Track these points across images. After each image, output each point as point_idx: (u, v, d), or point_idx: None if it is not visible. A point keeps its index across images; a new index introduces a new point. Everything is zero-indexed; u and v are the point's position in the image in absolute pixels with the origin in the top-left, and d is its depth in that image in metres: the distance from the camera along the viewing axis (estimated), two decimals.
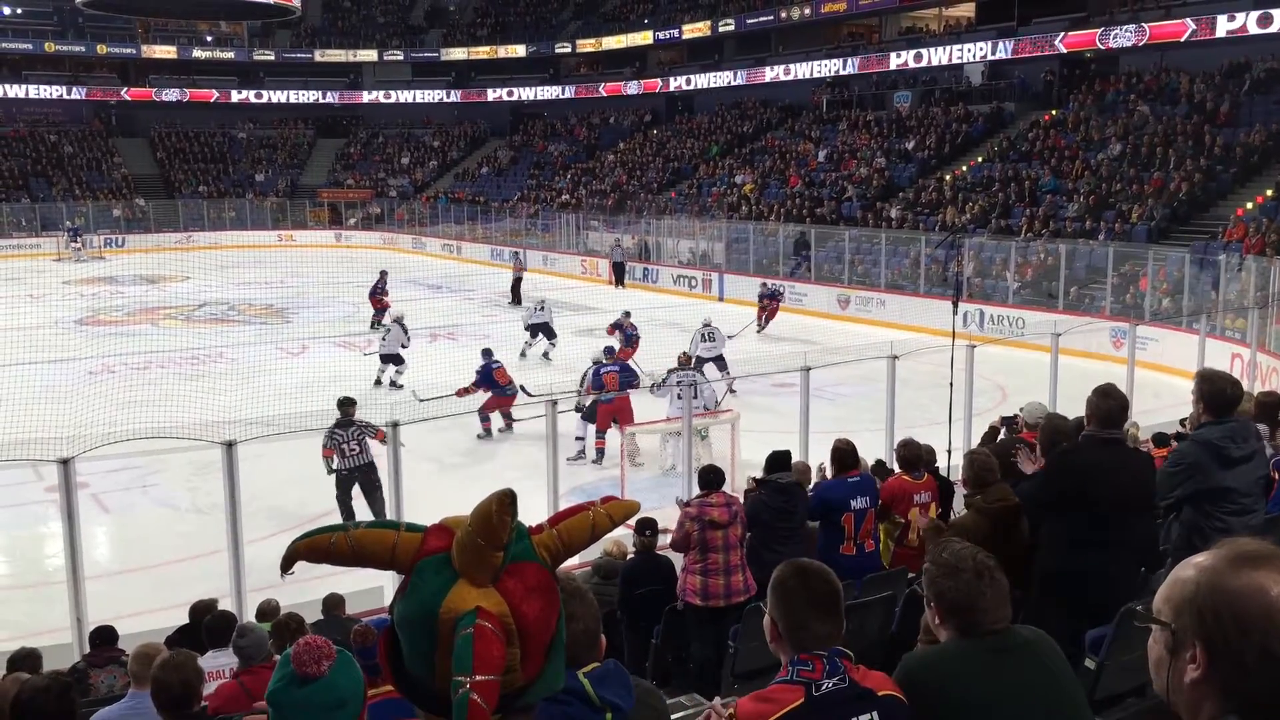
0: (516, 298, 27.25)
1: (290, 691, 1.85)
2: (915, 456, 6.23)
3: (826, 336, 21.41)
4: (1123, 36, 28.26)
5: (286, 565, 1.32)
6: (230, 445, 7.07)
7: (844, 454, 6.27)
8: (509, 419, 13.90)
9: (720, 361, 16.33)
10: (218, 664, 5.20)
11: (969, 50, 32.98)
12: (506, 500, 1.20)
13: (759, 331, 21.53)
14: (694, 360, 14.50)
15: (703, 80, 42.60)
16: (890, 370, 9.63)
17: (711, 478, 6.19)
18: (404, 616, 1.21)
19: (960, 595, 2.43)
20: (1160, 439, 8.77)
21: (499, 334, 22.08)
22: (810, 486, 7.07)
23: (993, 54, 32.32)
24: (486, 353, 14.19)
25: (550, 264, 34.36)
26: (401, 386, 16.07)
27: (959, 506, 6.14)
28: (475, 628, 1.13)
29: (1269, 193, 21.61)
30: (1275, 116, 23.71)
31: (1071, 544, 4.26)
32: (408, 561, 1.22)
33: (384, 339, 17.49)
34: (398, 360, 17.08)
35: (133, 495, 11.46)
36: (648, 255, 31.81)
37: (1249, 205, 21.56)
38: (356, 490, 10.12)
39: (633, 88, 45.99)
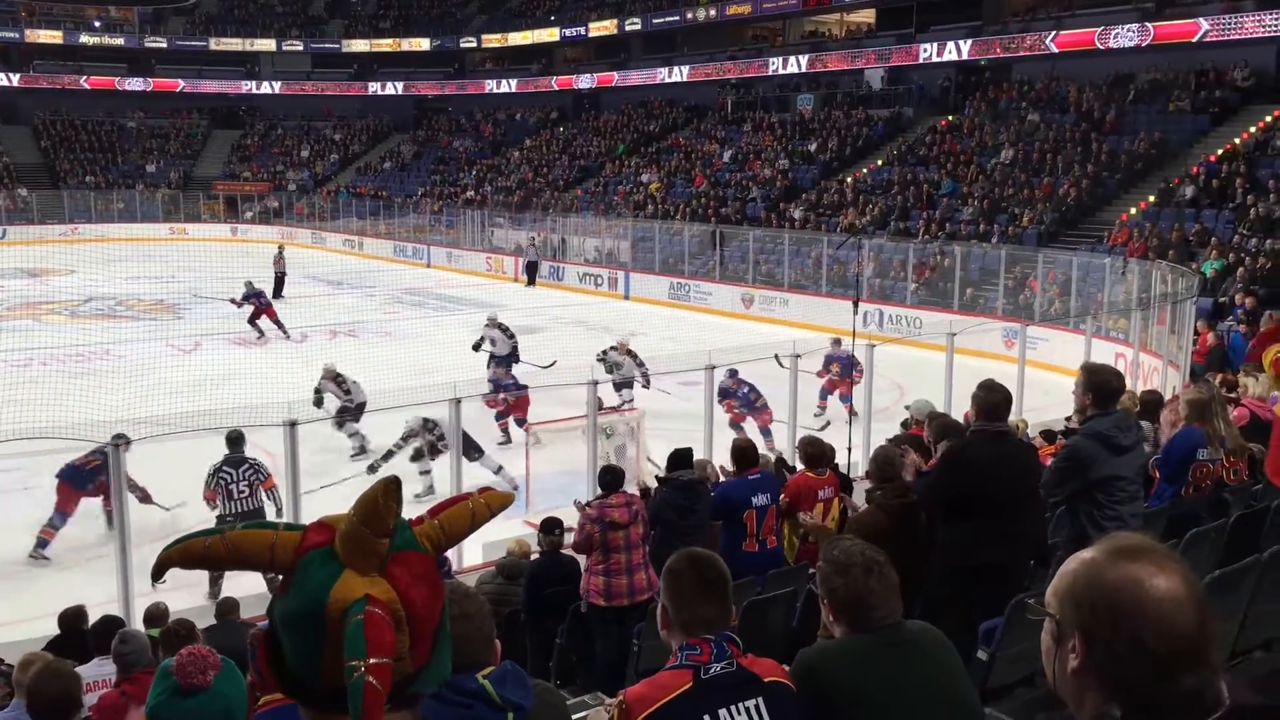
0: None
1: (174, 704, 1.78)
2: (819, 454, 6.34)
3: (731, 336, 21.65)
4: (1019, 44, 29.30)
5: (158, 574, 1.26)
6: (118, 444, 6.81)
7: (744, 452, 6.33)
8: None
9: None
10: (101, 673, 5.00)
11: (867, 55, 33.73)
12: (392, 487, 1.19)
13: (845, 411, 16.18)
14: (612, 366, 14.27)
15: (612, 78, 42.62)
16: (793, 368, 9.76)
17: (610, 478, 6.18)
18: (287, 613, 1.18)
19: (850, 591, 2.52)
20: (1049, 435, 9.07)
21: (401, 331, 21.81)
22: (711, 484, 7.13)
23: (888, 61, 33.11)
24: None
25: (455, 261, 34.01)
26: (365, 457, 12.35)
27: (859, 501, 6.29)
28: (365, 613, 1.12)
29: (1151, 199, 22.56)
30: (1158, 125, 24.76)
31: (967, 537, 4.38)
32: (288, 559, 1.19)
33: (324, 395, 13.38)
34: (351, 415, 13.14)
35: (13, 497, 10.97)
36: (554, 254, 31.71)
37: (1133, 210, 22.47)
38: None
39: (540, 84, 45.77)
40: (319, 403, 12.70)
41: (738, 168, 32.64)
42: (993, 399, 4.54)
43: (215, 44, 50.00)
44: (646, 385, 14.33)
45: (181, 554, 1.20)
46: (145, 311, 24.28)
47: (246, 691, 1.89)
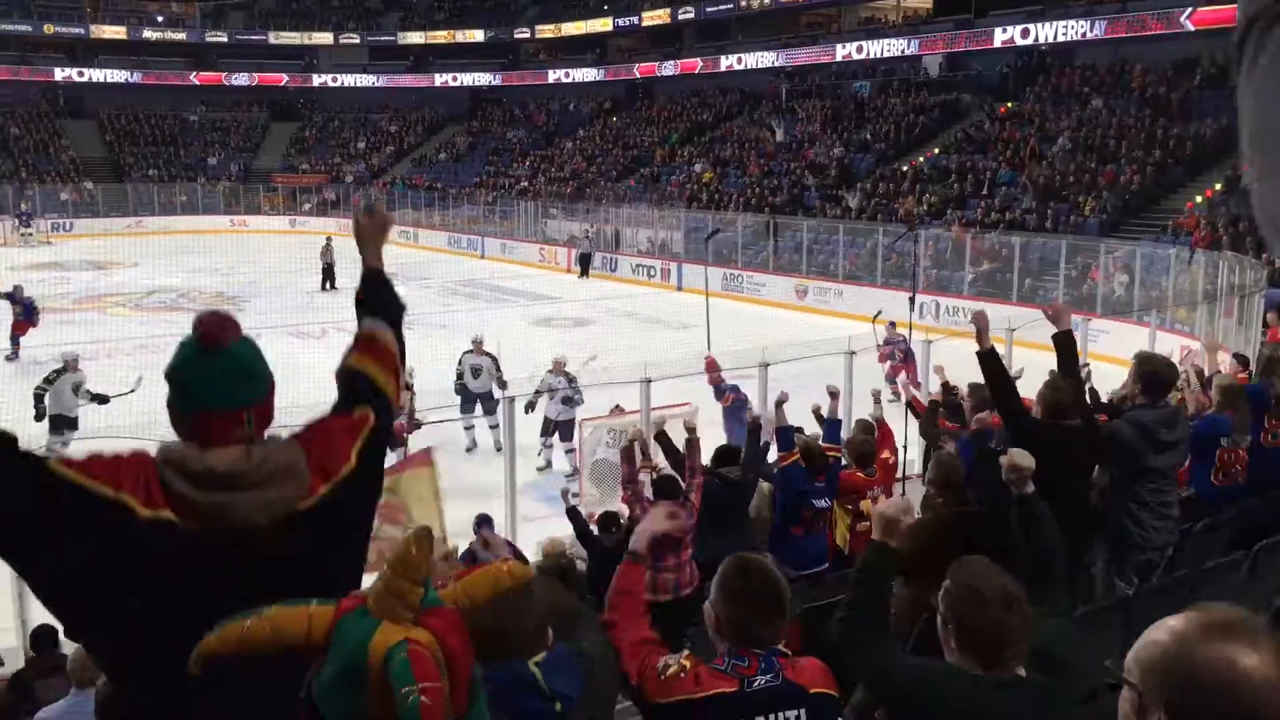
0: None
1: (196, 364, 1.77)
2: (868, 455, 6.29)
3: (785, 328, 21.48)
4: (1075, 30, 28.70)
5: (198, 665, 1.26)
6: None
7: (814, 457, 6.24)
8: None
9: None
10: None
11: (924, 42, 33.26)
12: (424, 536, 1.25)
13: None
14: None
15: (668, 68, 42.41)
16: (847, 367, 9.64)
17: (668, 489, 6.10)
18: (329, 679, 1.20)
19: (985, 628, 2.30)
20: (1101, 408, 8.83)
21: (458, 324, 21.94)
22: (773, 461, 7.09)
23: (949, 47, 32.60)
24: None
25: (509, 252, 34.16)
26: None
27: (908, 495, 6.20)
28: (410, 650, 1.16)
29: (1218, 186, 21.95)
30: (1225, 111, 24.07)
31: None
32: (324, 628, 1.22)
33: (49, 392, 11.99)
34: (58, 425, 11.90)
35: None
36: (607, 245, 31.70)
37: (1198, 199, 21.90)
38: None
39: (593, 74, 45.75)
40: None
41: (792, 156, 32.36)
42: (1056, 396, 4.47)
43: (274, 37, 50.69)
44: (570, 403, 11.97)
45: (221, 642, 1.22)
46: (207, 303, 24.67)
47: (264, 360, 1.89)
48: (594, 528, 6.97)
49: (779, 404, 7.24)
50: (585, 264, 30.21)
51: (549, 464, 12.05)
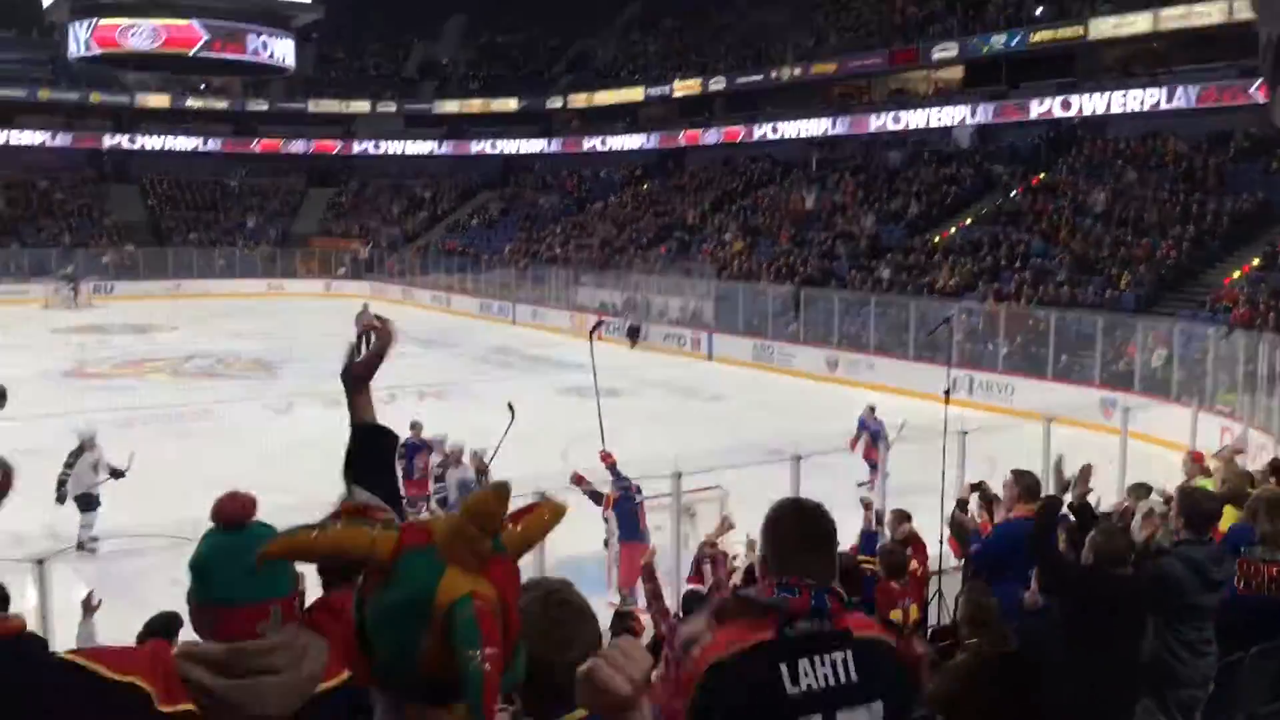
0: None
1: (217, 544, 1.76)
2: (899, 565, 6.18)
3: (817, 399, 21.38)
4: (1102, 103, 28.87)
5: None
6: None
7: (852, 576, 6.12)
8: None
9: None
10: None
11: (953, 114, 33.49)
12: (504, 492, 1.29)
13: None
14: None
15: (704, 135, 42.87)
16: (883, 456, 9.52)
17: (695, 603, 5.98)
18: (389, 606, 1.24)
19: None
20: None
21: (488, 393, 22.00)
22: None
23: (972, 117, 32.82)
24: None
25: (540, 318, 34.34)
26: (94, 549, 11.51)
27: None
28: (476, 608, 1.19)
29: (1256, 261, 21.78)
30: (1260, 185, 23.96)
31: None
32: (387, 554, 1.26)
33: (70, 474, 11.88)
34: (88, 504, 11.86)
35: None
36: (639, 313, 31.71)
37: (1236, 274, 21.71)
38: None
39: (631, 141, 46.28)
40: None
41: (823, 225, 32.46)
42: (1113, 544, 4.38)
43: (313, 105, 51.83)
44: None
45: (286, 547, 1.29)
46: (243, 370, 24.95)
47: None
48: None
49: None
50: (635, 335, 29.65)
51: None
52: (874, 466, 13.74)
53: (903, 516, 7.58)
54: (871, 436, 13.71)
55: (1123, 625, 4.18)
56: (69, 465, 11.89)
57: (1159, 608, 4.33)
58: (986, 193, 30.36)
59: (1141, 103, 28.50)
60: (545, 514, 1.38)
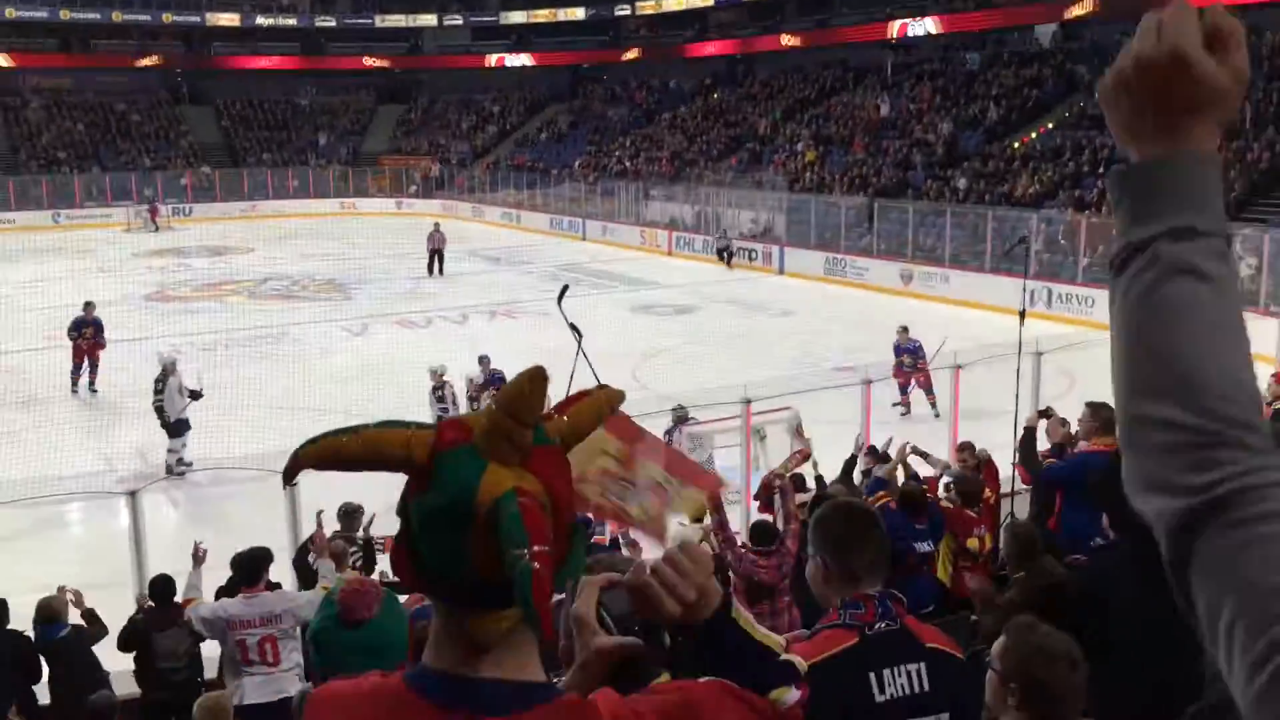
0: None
1: (335, 633, 1.82)
2: (974, 493, 6.12)
3: (889, 315, 21.06)
4: None
5: (290, 476, 1.24)
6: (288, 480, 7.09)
7: (914, 500, 6.08)
8: None
9: None
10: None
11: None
12: (539, 376, 1.19)
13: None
14: None
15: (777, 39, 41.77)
16: (953, 382, 9.38)
17: (763, 533, 5.96)
18: (432, 509, 1.18)
19: (1052, 686, 2.32)
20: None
21: (558, 311, 22.09)
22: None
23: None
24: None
25: (610, 234, 34.19)
26: (184, 472, 11.74)
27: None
28: (520, 504, 1.13)
29: None
30: None
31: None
32: (424, 454, 1.18)
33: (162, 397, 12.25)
34: (178, 429, 12.27)
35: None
36: (708, 227, 31.40)
37: None
38: None
39: (694, 49, 45.33)
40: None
41: (898, 133, 31.61)
42: None
43: (380, 20, 51.59)
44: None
45: (317, 454, 1.18)
46: (318, 292, 25.39)
47: (408, 623, 1.92)
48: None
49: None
50: (726, 256, 28.82)
51: None
52: (904, 390, 13.64)
53: (976, 465, 7.42)
54: (911, 355, 13.43)
55: None
56: (159, 391, 12.23)
57: None
58: (1069, 95, 29.19)
59: None
60: (599, 398, 1.31)
